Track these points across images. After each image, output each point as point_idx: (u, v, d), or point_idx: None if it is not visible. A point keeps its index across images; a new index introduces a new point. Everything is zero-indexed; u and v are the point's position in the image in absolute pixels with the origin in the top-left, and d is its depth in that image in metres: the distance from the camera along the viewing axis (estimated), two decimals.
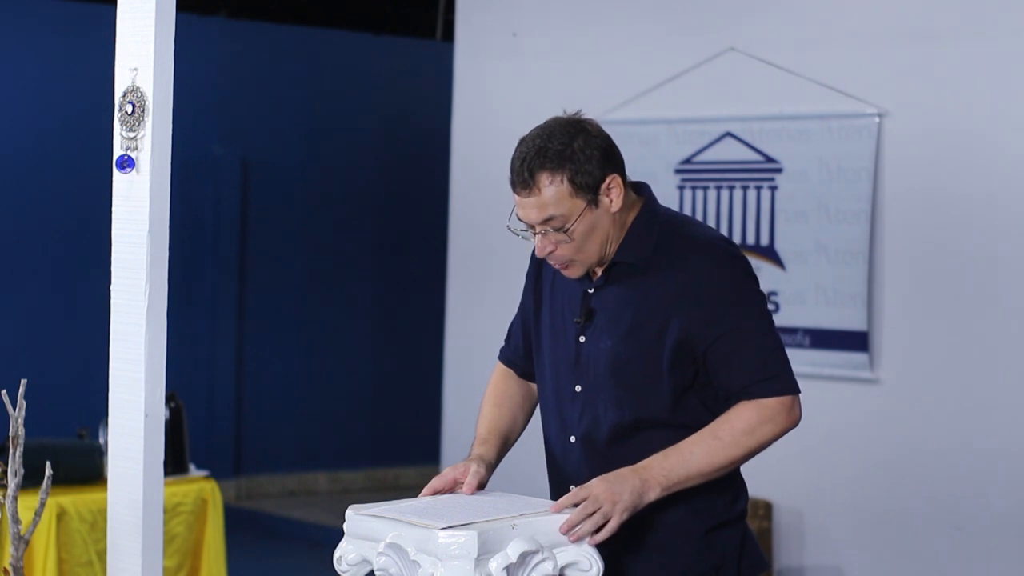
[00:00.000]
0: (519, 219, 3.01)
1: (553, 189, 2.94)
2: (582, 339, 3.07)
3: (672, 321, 2.98)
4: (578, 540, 2.83)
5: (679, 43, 6.83)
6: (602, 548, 2.89)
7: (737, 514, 3.11)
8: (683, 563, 3.03)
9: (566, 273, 3.06)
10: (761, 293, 3.06)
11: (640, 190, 3.10)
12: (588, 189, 2.95)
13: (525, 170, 2.95)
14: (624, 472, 2.91)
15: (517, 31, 7.50)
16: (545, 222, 2.96)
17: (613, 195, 2.99)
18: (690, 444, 2.95)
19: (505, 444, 3.24)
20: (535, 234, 3.00)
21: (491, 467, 3.15)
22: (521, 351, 3.29)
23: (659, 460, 2.93)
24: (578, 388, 3.08)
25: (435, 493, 3.05)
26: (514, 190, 2.99)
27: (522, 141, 3.01)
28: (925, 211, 6.17)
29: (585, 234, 2.98)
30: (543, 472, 3.23)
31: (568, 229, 2.96)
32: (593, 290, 3.08)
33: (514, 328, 3.34)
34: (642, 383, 3.01)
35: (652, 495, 2.90)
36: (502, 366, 3.36)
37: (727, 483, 3.05)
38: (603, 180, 2.97)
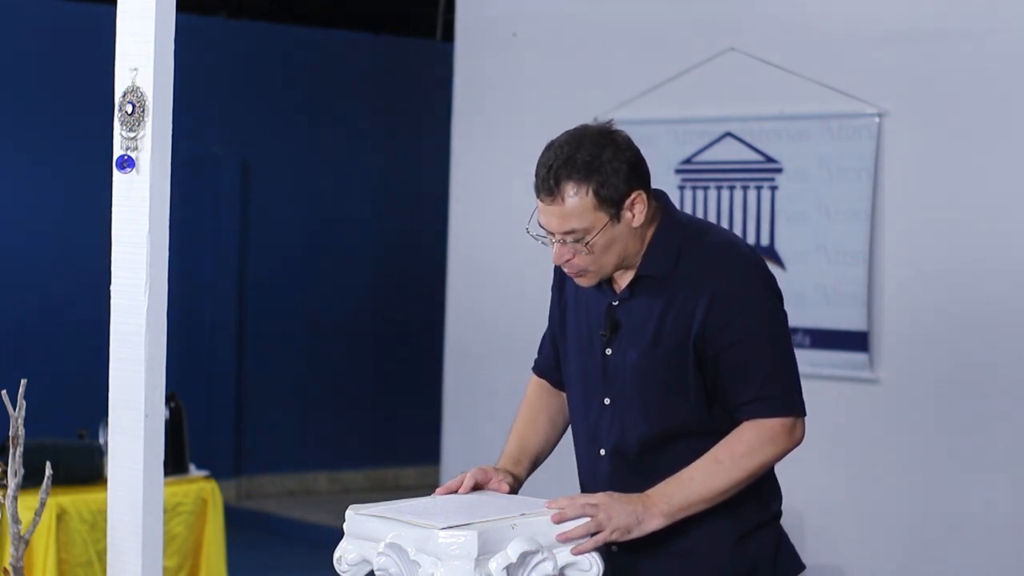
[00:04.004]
0: (540, 225, 2.99)
1: (577, 200, 2.91)
2: (609, 351, 3.05)
3: (693, 328, 2.96)
4: (567, 541, 2.82)
5: (679, 43, 6.83)
6: (633, 555, 2.89)
7: (771, 516, 3.10)
8: (716, 569, 3.02)
9: (580, 282, 3.04)
10: (780, 307, 3.04)
11: (658, 198, 3.07)
12: (612, 203, 2.93)
13: (551, 178, 2.92)
14: (632, 496, 2.91)
15: (517, 31, 7.50)
16: (566, 232, 2.94)
17: (636, 211, 2.97)
18: (691, 470, 2.94)
19: (535, 465, 3.23)
20: (554, 241, 2.98)
21: (519, 486, 3.14)
22: (552, 362, 3.27)
23: (660, 488, 2.93)
24: (607, 401, 3.07)
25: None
26: (538, 196, 2.97)
27: (549, 147, 2.98)
28: (925, 211, 6.17)
29: (604, 247, 2.96)
30: (560, 481, 3.22)
31: (588, 241, 2.94)
32: (617, 303, 3.06)
33: (545, 340, 3.32)
34: (669, 393, 3.00)
35: (653, 524, 2.90)
36: (536, 378, 3.34)
37: (759, 486, 3.03)
38: (628, 195, 2.95)
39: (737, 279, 2.98)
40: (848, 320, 6.28)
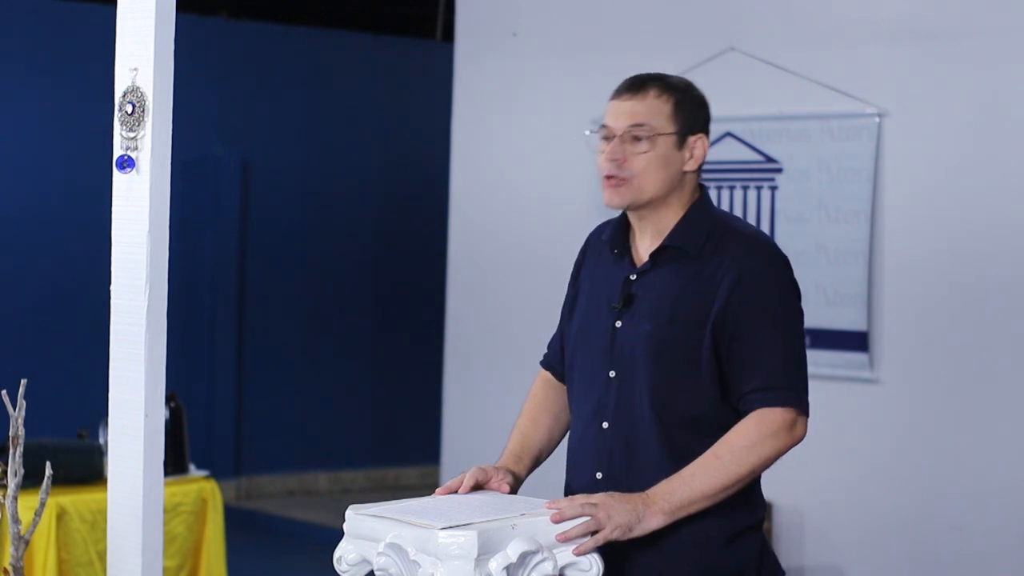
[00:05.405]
0: (604, 127, 3.07)
1: (658, 102, 3.06)
2: (618, 324, 3.05)
3: (715, 305, 2.97)
4: (565, 541, 2.81)
5: (679, 43, 6.83)
6: (621, 558, 2.88)
7: (757, 521, 3.08)
8: (705, 569, 3.01)
9: (612, 197, 3.06)
10: (798, 305, 3.05)
11: (701, 186, 3.14)
12: (684, 123, 3.05)
13: (639, 79, 3.10)
14: (632, 495, 2.90)
15: (517, 31, 7.51)
16: (634, 124, 3.03)
17: (696, 153, 3.07)
18: (692, 467, 2.93)
19: (536, 463, 3.22)
20: (613, 141, 3.05)
21: (519, 484, 3.14)
22: (559, 356, 3.27)
23: (662, 485, 2.92)
24: (612, 374, 3.06)
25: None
26: (615, 96, 3.09)
27: None
28: (925, 211, 6.17)
29: (658, 161, 3.03)
30: (560, 481, 3.21)
31: (650, 138, 3.02)
32: (635, 276, 3.07)
33: (555, 335, 3.33)
34: (678, 371, 2.99)
35: (654, 522, 2.88)
36: (543, 372, 3.34)
37: (749, 490, 3.02)
38: (697, 131, 3.07)
39: (765, 266, 3.02)
40: (848, 320, 6.28)
